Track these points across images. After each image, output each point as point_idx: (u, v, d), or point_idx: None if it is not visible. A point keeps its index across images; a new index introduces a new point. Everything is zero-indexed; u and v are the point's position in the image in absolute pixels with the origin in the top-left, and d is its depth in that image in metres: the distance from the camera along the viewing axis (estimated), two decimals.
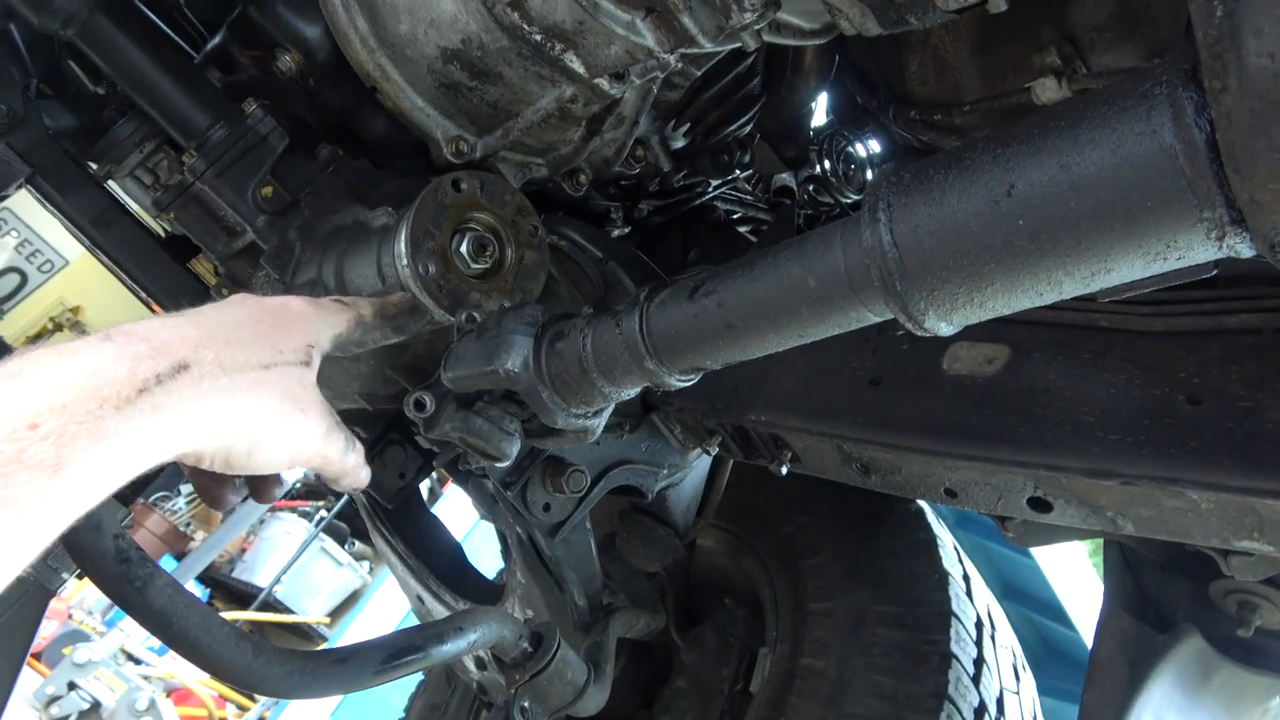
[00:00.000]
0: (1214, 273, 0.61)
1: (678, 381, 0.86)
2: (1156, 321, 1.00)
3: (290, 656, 0.92)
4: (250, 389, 0.72)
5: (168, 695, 5.15)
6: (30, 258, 9.69)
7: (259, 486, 0.89)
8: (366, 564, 7.29)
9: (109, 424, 0.58)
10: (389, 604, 5.61)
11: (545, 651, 1.11)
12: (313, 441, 0.81)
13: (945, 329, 0.68)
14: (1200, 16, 0.50)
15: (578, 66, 1.10)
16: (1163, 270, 0.59)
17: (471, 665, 1.56)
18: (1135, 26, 0.96)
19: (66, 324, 9.69)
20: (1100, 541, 1.47)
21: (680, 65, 1.21)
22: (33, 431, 0.53)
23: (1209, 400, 0.90)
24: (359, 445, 0.89)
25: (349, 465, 0.87)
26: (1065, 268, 0.60)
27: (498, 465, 0.92)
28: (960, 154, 0.63)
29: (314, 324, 0.85)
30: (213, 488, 0.85)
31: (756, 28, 0.88)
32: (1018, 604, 4.83)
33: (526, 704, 1.12)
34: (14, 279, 9.66)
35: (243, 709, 5.71)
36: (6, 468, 0.52)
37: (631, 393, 0.90)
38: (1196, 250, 0.56)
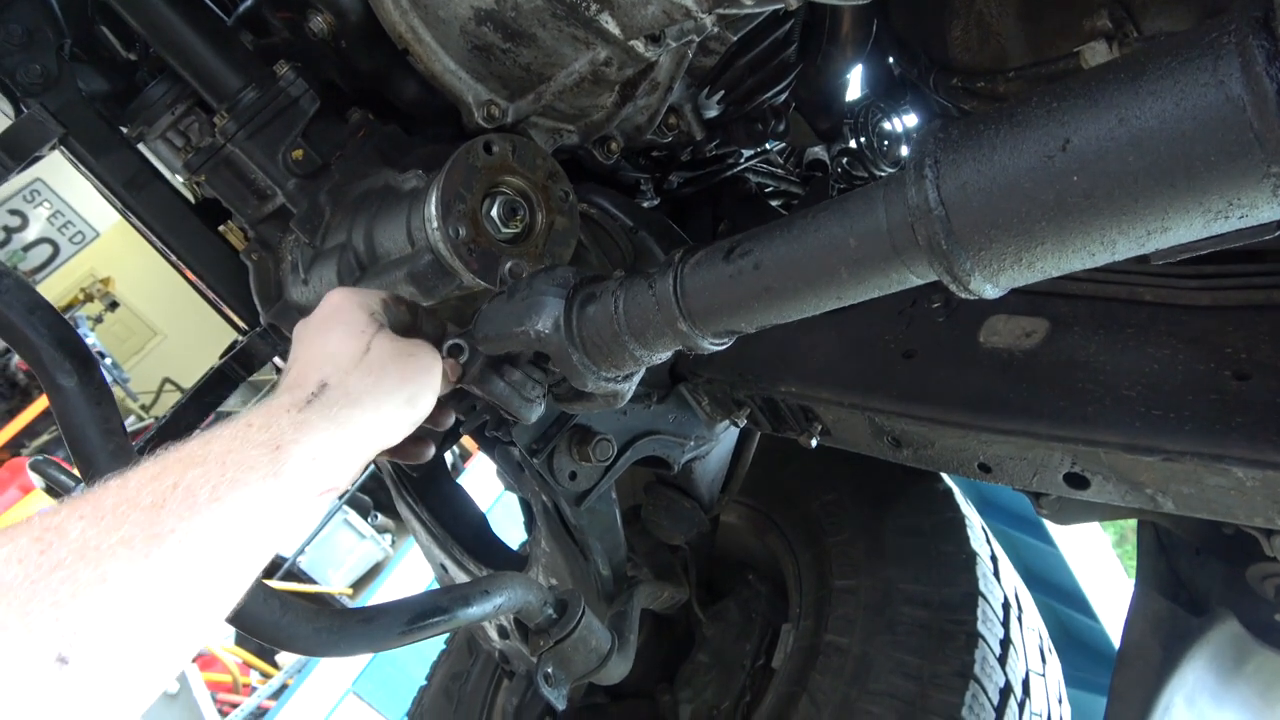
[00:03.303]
0: (1277, 234, 0.58)
1: (711, 345, 0.84)
2: (1203, 295, 0.97)
3: (317, 614, 0.92)
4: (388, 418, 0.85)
5: (193, 661, 5.23)
6: (62, 229, 9.83)
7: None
8: (389, 537, 7.36)
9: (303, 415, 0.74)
10: (410, 577, 5.66)
11: (570, 618, 1.11)
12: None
13: (991, 291, 0.66)
14: None
15: (613, 27, 1.08)
16: (1223, 230, 0.56)
17: (494, 633, 1.57)
18: None
19: (97, 295, 9.83)
20: (1125, 531, 1.45)
21: (717, 29, 1.19)
22: (250, 426, 0.71)
23: (1257, 376, 0.88)
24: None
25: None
26: (1120, 226, 0.58)
27: (522, 424, 0.91)
28: (1012, 109, 0.61)
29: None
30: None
31: None
32: (1039, 592, 4.79)
33: (550, 670, 1.12)
34: (46, 249, 9.81)
35: (266, 676, 5.79)
36: (233, 442, 0.68)
37: (663, 356, 0.89)
38: (1261, 208, 0.53)
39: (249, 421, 0.72)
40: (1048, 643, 1.70)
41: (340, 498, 6.90)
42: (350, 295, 0.92)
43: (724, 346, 0.86)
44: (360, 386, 0.81)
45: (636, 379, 0.95)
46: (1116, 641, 1.39)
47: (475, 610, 1.00)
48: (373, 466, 1.81)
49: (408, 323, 0.94)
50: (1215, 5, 0.91)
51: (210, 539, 0.63)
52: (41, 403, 7.17)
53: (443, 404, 1.02)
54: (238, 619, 0.87)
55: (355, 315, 0.88)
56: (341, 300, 0.91)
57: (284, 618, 0.90)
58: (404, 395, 0.84)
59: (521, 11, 1.12)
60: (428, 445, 1.05)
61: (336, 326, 0.87)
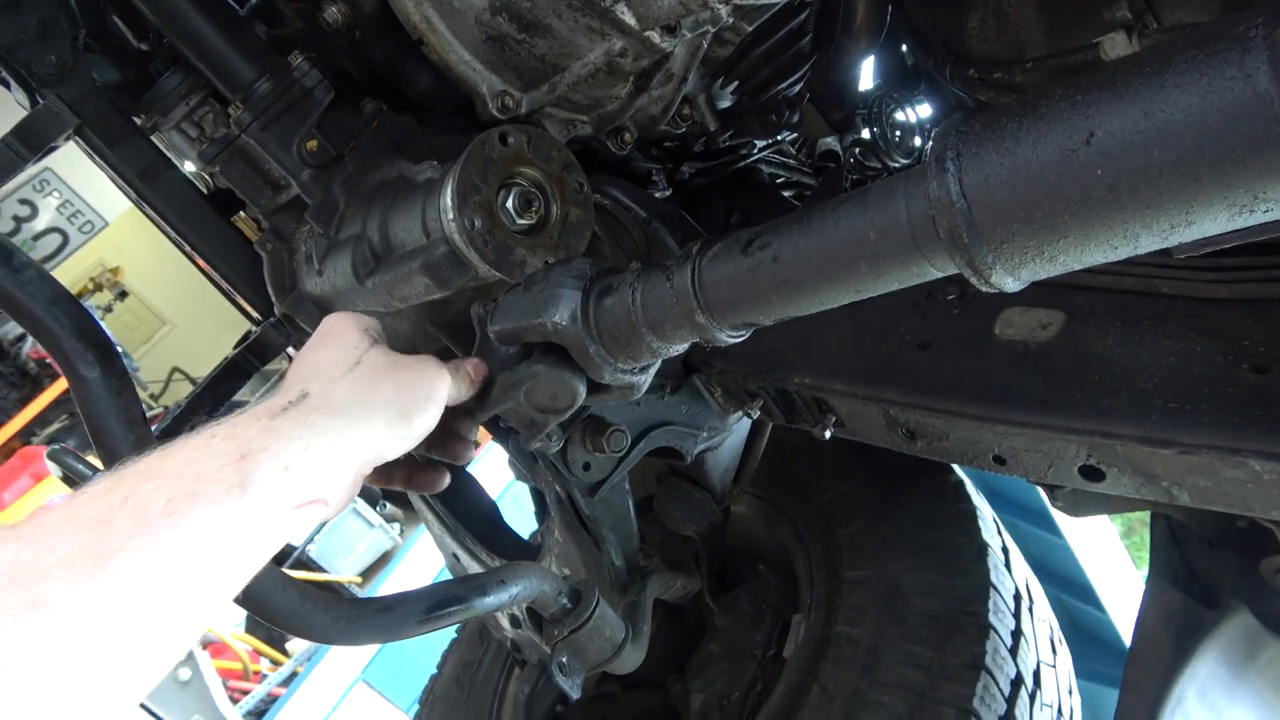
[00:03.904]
0: None
1: (728, 337, 0.85)
2: (1221, 288, 0.97)
3: (336, 603, 0.93)
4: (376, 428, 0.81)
5: (204, 648, 5.27)
6: (71, 218, 9.87)
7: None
8: (397, 526, 7.40)
9: (275, 422, 0.71)
10: (420, 566, 5.69)
11: (585, 607, 1.12)
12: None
13: (1012, 284, 0.66)
14: None
15: (629, 18, 1.08)
16: (1247, 224, 0.56)
17: (506, 623, 1.57)
18: None
19: (106, 284, 9.87)
20: (1133, 523, 1.45)
21: (732, 20, 1.18)
22: (214, 438, 0.67)
23: (1275, 369, 0.88)
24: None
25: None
26: (1144, 220, 0.57)
27: (565, 413, 0.92)
28: (1036, 101, 0.61)
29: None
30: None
31: None
32: (1048, 584, 4.76)
33: (565, 659, 1.13)
34: (55, 239, 9.85)
35: (276, 663, 5.83)
36: (194, 453, 0.65)
37: (680, 348, 0.89)
38: None
39: (213, 432, 0.67)
40: (1058, 634, 1.70)
41: None
42: (346, 316, 0.90)
43: (741, 339, 0.86)
44: (346, 396, 0.77)
45: (653, 371, 0.95)
46: (1124, 633, 1.40)
47: (492, 600, 1.00)
48: None
49: (405, 348, 0.91)
50: None
51: (164, 557, 0.56)
52: (52, 391, 7.21)
53: (463, 433, 1.02)
54: (257, 607, 0.88)
55: (349, 332, 0.86)
56: (337, 320, 0.89)
57: (302, 606, 0.91)
58: (398, 408, 0.80)
59: (537, 2, 1.12)
60: (441, 474, 1.03)
61: (329, 343, 0.85)
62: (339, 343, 0.84)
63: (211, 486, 0.62)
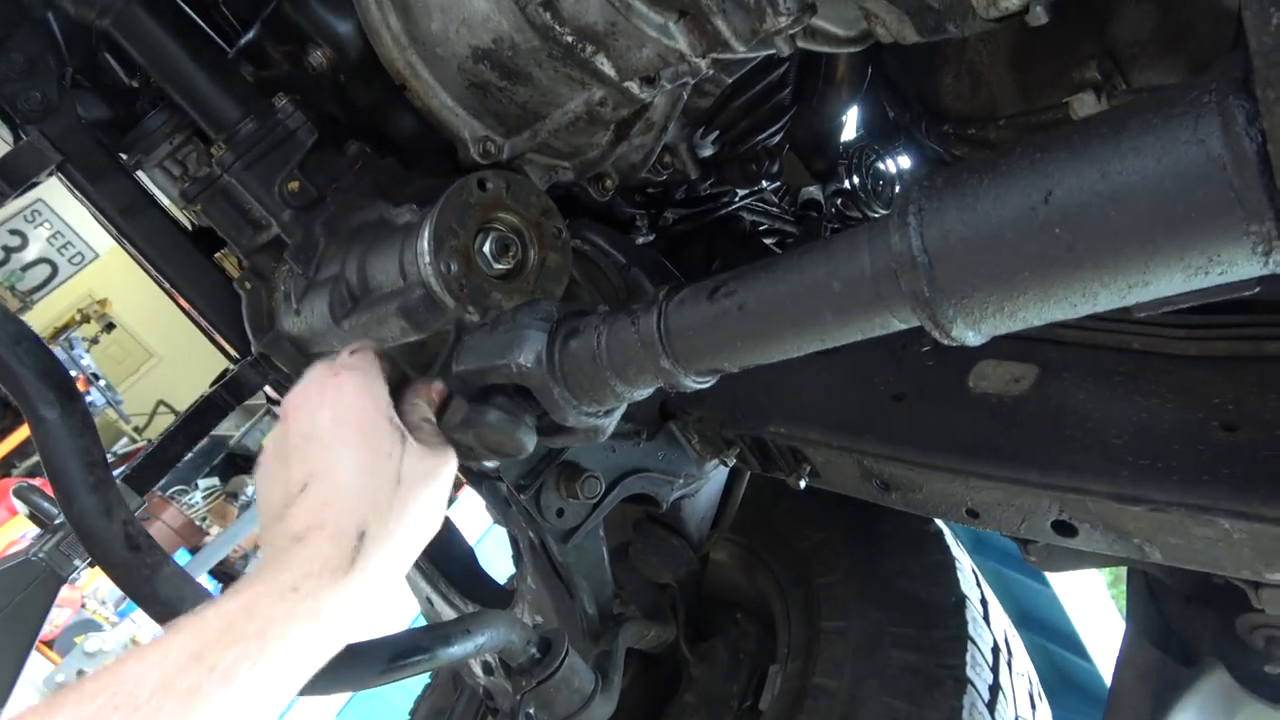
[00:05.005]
0: (1256, 290, 0.59)
1: (694, 383, 0.84)
2: (1191, 345, 0.97)
3: None
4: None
5: None
6: (61, 250, 9.86)
7: None
8: None
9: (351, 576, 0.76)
10: (398, 605, 5.60)
11: (553, 658, 1.10)
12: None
13: (973, 338, 0.66)
14: (1255, 24, 0.48)
15: (608, 69, 1.09)
16: (1203, 285, 0.57)
17: (478, 670, 1.55)
18: (1177, 42, 0.94)
19: (94, 316, 9.83)
20: (1120, 572, 1.44)
21: (711, 71, 1.20)
22: (295, 592, 0.71)
23: (1245, 427, 0.88)
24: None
25: None
26: (1101, 279, 0.58)
27: (513, 459, 0.91)
28: (996, 159, 0.61)
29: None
30: None
31: (791, 33, 0.87)
32: (1033, 633, 4.75)
33: (532, 710, 1.11)
34: (45, 270, 9.83)
35: None
36: (275, 610, 0.69)
37: (645, 393, 0.89)
38: (1241, 265, 0.54)
39: (294, 585, 0.71)
40: (1038, 688, 1.68)
41: None
42: (362, 391, 0.85)
43: (707, 385, 0.85)
44: (400, 527, 0.81)
45: (618, 414, 0.94)
46: (1110, 683, 1.38)
47: (456, 649, 0.98)
48: None
49: (397, 377, 0.94)
50: (1202, 59, 0.92)
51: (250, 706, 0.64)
52: None
53: None
54: None
55: (376, 425, 0.83)
56: (354, 400, 0.84)
57: None
58: (434, 514, 0.87)
59: (518, 51, 1.13)
60: None
61: (359, 445, 0.82)
62: (372, 448, 0.82)
63: (294, 654, 0.70)
